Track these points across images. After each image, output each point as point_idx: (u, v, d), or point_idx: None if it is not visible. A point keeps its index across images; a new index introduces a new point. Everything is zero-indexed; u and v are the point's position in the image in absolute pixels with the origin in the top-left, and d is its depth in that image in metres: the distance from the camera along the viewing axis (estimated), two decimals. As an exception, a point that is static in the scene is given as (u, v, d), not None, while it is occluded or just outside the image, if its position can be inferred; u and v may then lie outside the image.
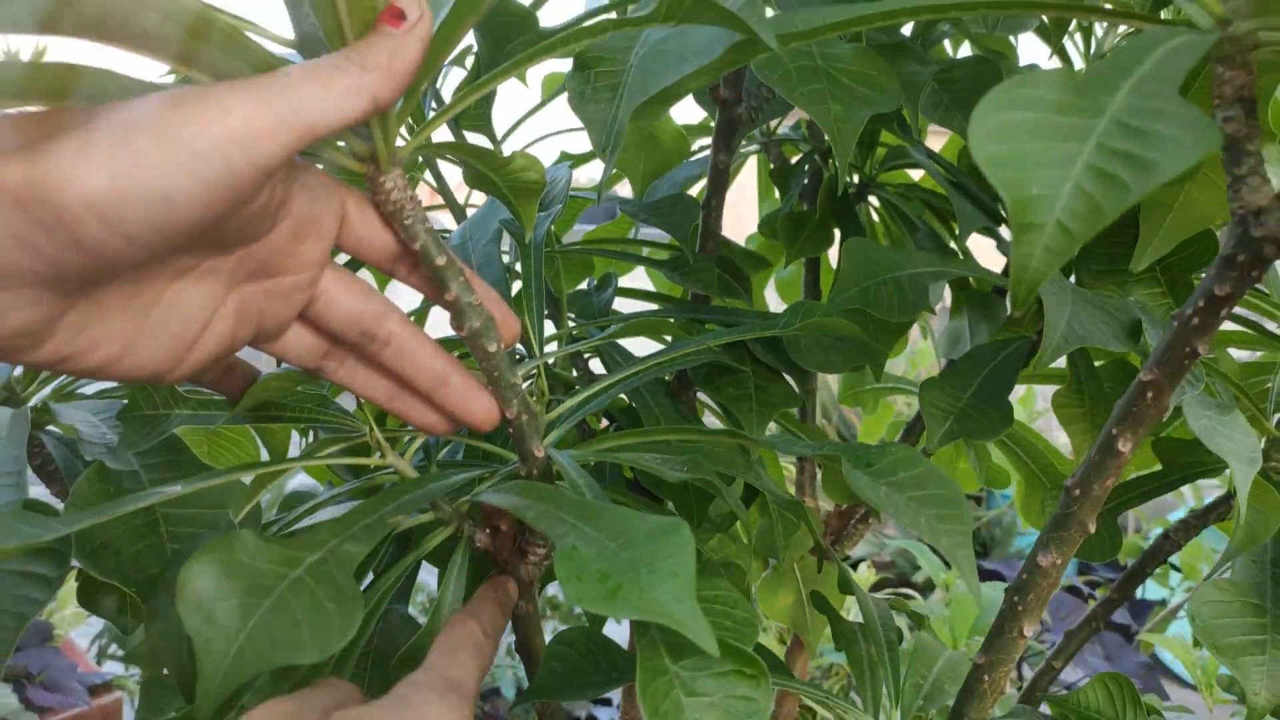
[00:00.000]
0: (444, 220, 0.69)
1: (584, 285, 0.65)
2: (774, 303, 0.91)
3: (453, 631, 0.33)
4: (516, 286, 0.51)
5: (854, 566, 2.14)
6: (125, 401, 0.42)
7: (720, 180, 0.56)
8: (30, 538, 0.30)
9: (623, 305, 0.64)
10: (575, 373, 0.62)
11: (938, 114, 0.44)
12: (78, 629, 1.78)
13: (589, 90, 0.39)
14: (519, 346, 0.53)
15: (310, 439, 0.60)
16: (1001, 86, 0.22)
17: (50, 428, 0.44)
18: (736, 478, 0.46)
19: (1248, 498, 0.48)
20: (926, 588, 2.20)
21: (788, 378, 0.56)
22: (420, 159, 0.57)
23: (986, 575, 1.79)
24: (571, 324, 0.60)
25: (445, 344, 0.40)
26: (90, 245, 0.25)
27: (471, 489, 0.37)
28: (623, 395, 0.52)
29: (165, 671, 0.39)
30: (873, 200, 0.72)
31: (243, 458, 0.53)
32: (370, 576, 0.39)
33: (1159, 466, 0.59)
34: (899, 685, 0.41)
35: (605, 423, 0.65)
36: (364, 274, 0.68)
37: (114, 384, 0.51)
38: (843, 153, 0.36)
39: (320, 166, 0.32)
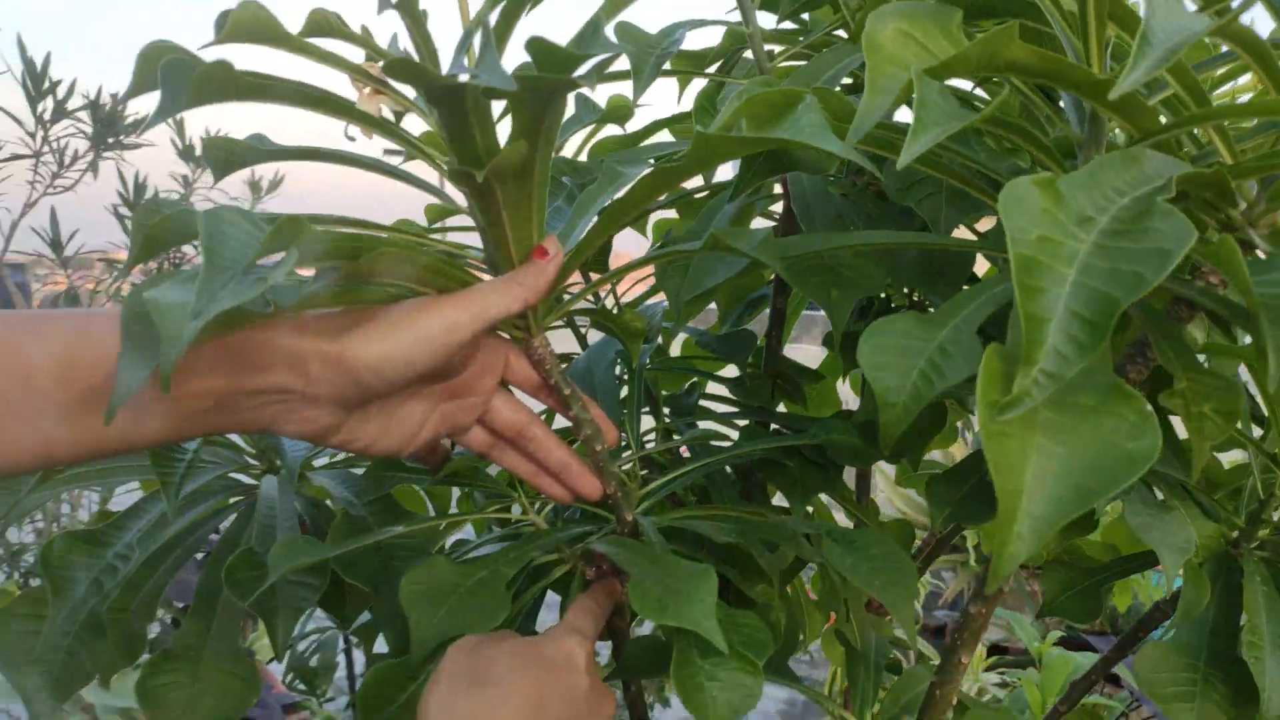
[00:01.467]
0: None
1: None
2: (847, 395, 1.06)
3: (578, 604, 0.50)
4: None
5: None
6: (348, 470, 0.63)
7: (779, 318, 0.73)
8: (314, 555, 0.50)
9: (712, 404, 0.81)
10: (670, 456, 0.80)
11: (930, 285, 0.59)
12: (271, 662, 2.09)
13: (669, 270, 0.58)
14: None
15: (459, 504, 0.80)
16: (876, 323, 0.39)
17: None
18: (781, 545, 0.61)
19: (1187, 579, 0.60)
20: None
21: (836, 466, 0.71)
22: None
23: (1080, 645, 1.83)
24: (667, 419, 0.78)
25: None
26: (366, 387, 0.44)
27: (584, 539, 0.55)
28: (701, 477, 0.69)
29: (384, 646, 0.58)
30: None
31: (417, 508, 0.73)
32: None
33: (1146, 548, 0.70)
34: (876, 695, 0.55)
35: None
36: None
37: (340, 458, 0.72)
38: (838, 324, 0.52)
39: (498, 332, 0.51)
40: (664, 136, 0.77)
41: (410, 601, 0.46)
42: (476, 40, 0.43)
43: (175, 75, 0.35)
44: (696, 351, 0.78)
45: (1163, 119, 0.40)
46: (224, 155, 0.46)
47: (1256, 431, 0.69)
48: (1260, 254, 0.37)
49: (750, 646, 0.48)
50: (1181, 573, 0.59)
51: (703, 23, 0.62)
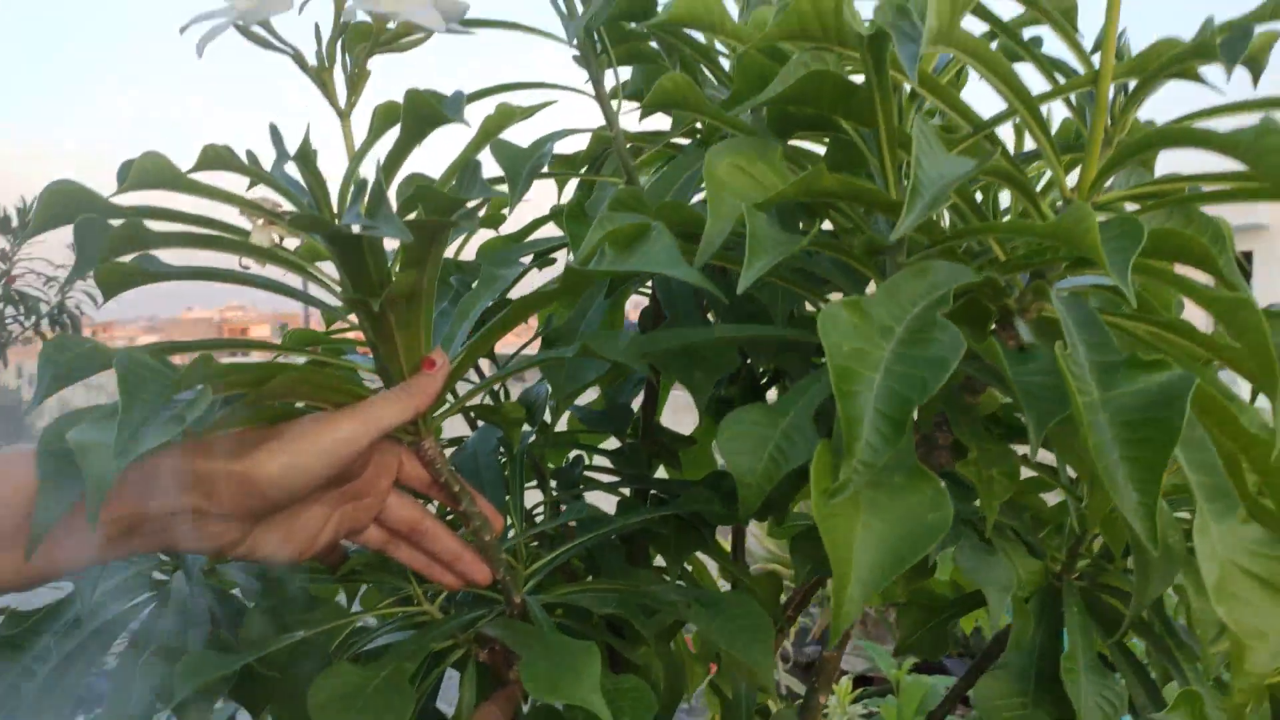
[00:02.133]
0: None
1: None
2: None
3: (482, 710, 0.54)
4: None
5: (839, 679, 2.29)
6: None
7: (652, 393, 0.79)
8: (219, 670, 0.52)
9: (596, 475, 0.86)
10: (560, 528, 0.84)
11: (780, 360, 0.66)
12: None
13: (551, 368, 0.63)
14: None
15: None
16: (731, 414, 0.45)
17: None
18: (660, 610, 0.66)
19: (1015, 614, 0.68)
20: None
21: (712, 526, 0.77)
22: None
23: (934, 669, 1.95)
24: (554, 492, 0.82)
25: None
26: (270, 499, 0.47)
27: (476, 623, 0.58)
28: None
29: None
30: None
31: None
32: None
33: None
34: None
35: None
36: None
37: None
38: (700, 402, 0.59)
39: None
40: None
41: (322, 710, 0.49)
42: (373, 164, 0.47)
43: (89, 235, 0.39)
44: (580, 426, 0.84)
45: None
46: (119, 279, 0.48)
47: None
48: (1025, 339, 0.45)
49: (635, 709, 0.52)
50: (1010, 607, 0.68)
51: (571, 132, 0.68)
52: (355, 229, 0.41)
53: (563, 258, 0.79)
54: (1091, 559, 0.75)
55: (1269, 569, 0.36)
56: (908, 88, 0.48)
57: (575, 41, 0.69)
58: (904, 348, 0.37)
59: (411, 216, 0.45)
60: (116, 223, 0.41)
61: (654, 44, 0.73)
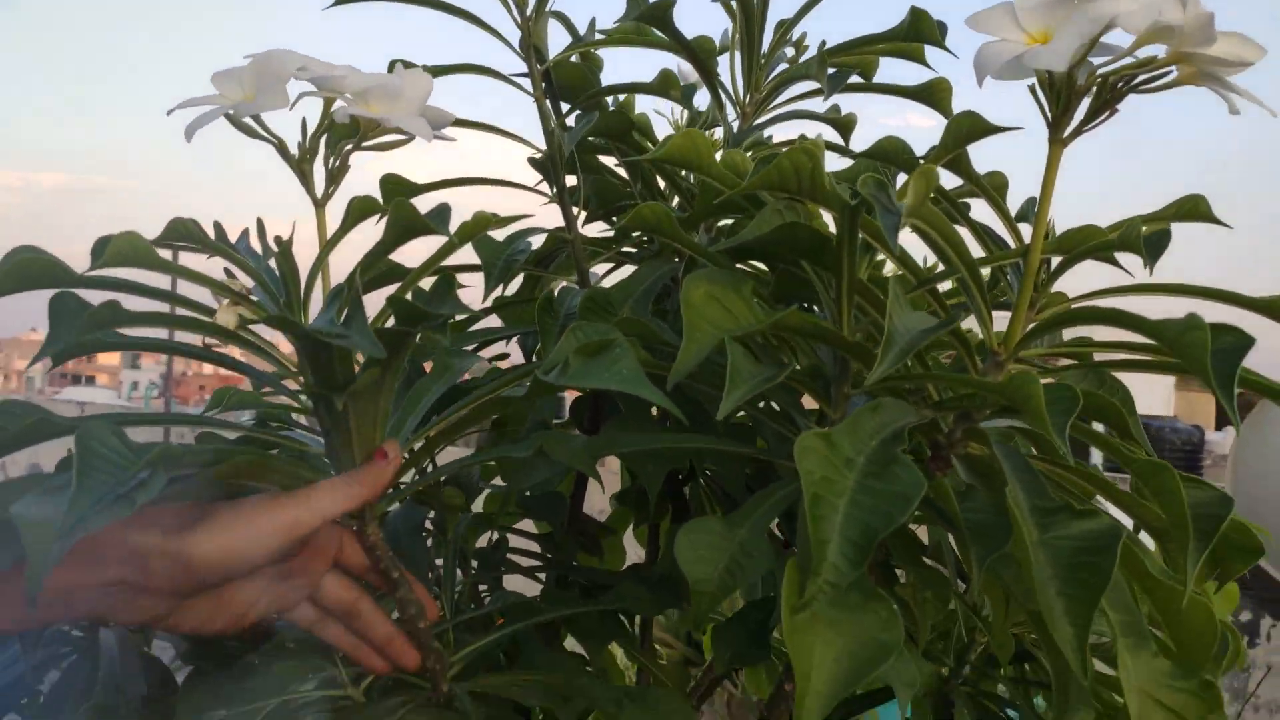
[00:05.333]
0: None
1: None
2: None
3: None
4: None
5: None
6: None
7: (582, 481, 0.79)
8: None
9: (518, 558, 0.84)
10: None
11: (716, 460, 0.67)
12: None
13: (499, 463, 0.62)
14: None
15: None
16: (690, 523, 0.45)
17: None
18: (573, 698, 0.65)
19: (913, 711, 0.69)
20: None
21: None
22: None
23: None
24: (474, 570, 0.80)
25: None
26: (204, 579, 0.45)
27: (400, 710, 0.55)
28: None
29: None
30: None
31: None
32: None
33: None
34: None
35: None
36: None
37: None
38: (652, 492, 0.59)
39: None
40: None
41: None
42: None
43: (64, 315, 0.36)
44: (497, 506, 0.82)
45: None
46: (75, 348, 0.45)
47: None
48: (961, 476, 0.48)
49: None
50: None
51: (538, 231, 0.69)
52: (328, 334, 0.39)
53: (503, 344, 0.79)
54: (975, 665, 0.78)
55: (1178, 701, 0.38)
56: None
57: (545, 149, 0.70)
58: (868, 479, 0.39)
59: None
60: (91, 299, 0.38)
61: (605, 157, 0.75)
